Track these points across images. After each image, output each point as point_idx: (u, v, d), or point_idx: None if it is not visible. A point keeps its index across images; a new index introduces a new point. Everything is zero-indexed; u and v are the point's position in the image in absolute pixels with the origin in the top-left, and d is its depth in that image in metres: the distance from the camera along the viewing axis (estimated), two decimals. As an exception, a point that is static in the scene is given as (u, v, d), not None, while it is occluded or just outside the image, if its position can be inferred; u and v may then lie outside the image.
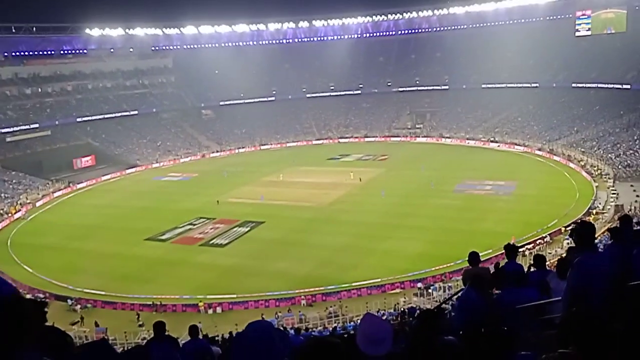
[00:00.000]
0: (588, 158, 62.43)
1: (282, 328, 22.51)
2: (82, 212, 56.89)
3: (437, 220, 44.96)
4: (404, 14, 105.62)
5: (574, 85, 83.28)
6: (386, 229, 44.01)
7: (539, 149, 72.52)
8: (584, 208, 44.88)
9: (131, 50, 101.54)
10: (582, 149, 66.11)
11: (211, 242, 44.20)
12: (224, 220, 49.70)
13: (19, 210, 57.90)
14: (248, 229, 46.85)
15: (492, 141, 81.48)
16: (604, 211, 44.01)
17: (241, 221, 48.79)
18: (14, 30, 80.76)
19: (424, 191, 55.33)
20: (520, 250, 35.47)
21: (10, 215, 56.15)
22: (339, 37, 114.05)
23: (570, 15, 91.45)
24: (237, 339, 2.63)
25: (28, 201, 61.78)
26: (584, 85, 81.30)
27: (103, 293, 35.06)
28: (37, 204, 61.55)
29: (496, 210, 47.32)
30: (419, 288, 32.78)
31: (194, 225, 49.06)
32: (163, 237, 45.93)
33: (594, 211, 43.93)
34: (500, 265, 7.69)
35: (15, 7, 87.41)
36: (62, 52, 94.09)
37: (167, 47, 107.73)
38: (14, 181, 66.93)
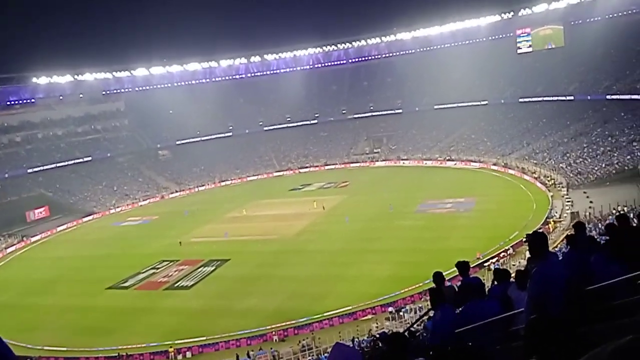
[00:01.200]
0: (541, 169, 64.49)
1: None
2: (38, 265, 54.53)
3: (402, 242, 45.25)
4: (353, 43, 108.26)
5: (521, 100, 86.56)
6: (353, 255, 43.93)
7: (494, 164, 74.53)
8: (542, 218, 46.11)
9: (81, 96, 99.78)
10: (535, 161, 68.34)
11: (176, 285, 42.95)
12: (188, 261, 48.53)
13: (-30, 270, 55.00)
14: (213, 267, 45.85)
15: (448, 160, 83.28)
16: (561, 219, 45.28)
17: (206, 260, 47.74)
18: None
19: (387, 214, 55.72)
20: (485, 264, 36.02)
21: (-41, 276, 53.24)
22: (291, 69, 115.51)
23: (511, 34, 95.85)
24: None
25: (-21, 259, 58.81)
26: (530, 99, 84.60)
27: (65, 349, 33.27)
28: (-11, 262, 58.65)
29: (459, 227, 48.01)
30: (390, 312, 32.60)
31: (157, 269, 47.66)
32: (126, 284, 44.35)
33: (552, 220, 45.13)
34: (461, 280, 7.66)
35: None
36: (8, 102, 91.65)
37: (119, 91, 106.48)
38: (-38, 239, 63.81)
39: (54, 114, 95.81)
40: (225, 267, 45.69)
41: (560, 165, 63.07)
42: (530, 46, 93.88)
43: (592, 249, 6.44)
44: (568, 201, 49.53)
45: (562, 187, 55.73)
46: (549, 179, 60.12)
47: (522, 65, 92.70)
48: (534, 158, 69.59)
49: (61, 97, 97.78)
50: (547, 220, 45.24)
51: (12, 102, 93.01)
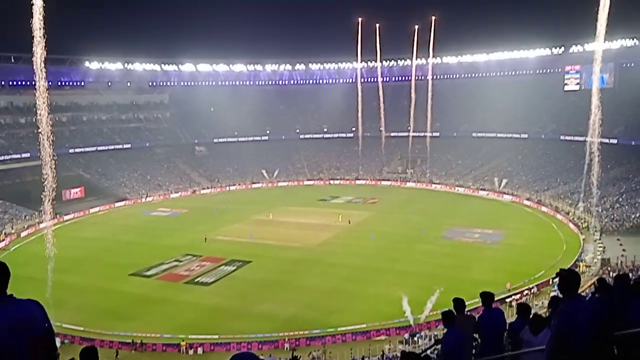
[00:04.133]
0: (575, 210, 62.99)
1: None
2: (68, 244, 55.87)
3: (425, 266, 44.88)
4: (398, 61, 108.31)
5: (562, 137, 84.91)
6: (373, 273, 43.78)
7: (527, 199, 73.20)
8: (571, 260, 44.98)
9: (129, 84, 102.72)
10: (570, 201, 66.80)
11: (196, 280, 43.60)
12: (211, 258, 49.21)
13: (3, 240, 57.05)
14: (234, 268, 46.36)
15: (481, 189, 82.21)
16: (591, 264, 44.14)
17: (228, 260, 48.32)
18: (12, 60, 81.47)
19: (413, 236, 55.36)
20: (507, 300, 35.38)
21: (-7, 244, 55.27)
22: (334, 80, 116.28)
23: (560, 70, 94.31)
24: None
25: (13, 231, 60.96)
26: (572, 138, 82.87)
27: (82, 329, 34.21)
28: (22, 235, 60.71)
29: (484, 259, 47.33)
30: (405, 338, 32.29)
31: (180, 261, 48.48)
32: (148, 273, 45.26)
33: (581, 264, 44.01)
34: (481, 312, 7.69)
35: (16, 37, 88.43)
36: (59, 83, 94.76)
37: (165, 83, 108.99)
38: (1, 210, 66.12)
39: (101, 99, 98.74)
40: (246, 269, 46.14)
41: (596, 208, 61.43)
42: (578, 84, 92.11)
43: (628, 296, 6.31)
44: (600, 246, 48.27)
45: (596, 231, 54.30)
46: (582, 221, 58.67)
47: (567, 102, 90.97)
48: (569, 198, 68.05)
49: (110, 84, 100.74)
50: (577, 263, 44.14)
51: (63, 83, 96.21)
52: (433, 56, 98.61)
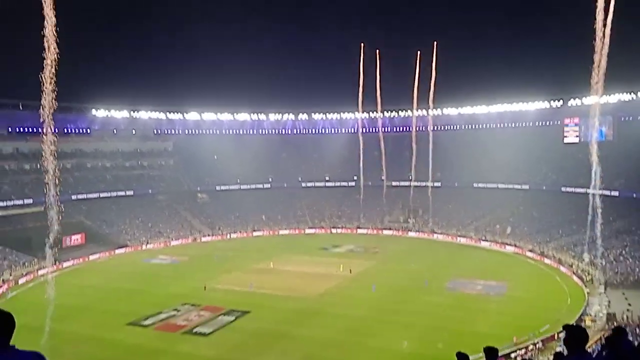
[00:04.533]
0: (579, 263, 62.44)
1: None
2: (66, 291, 55.26)
3: (428, 318, 44.17)
4: (399, 112, 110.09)
5: (563, 189, 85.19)
6: (375, 324, 43.03)
7: (530, 250, 72.72)
8: (576, 314, 44.27)
9: (134, 132, 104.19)
10: (573, 253, 66.31)
11: (194, 330, 42.82)
12: (210, 307, 48.53)
13: (0, 287, 56.42)
14: (233, 318, 45.63)
15: (483, 240, 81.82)
16: (596, 319, 43.38)
17: (227, 309, 47.62)
18: (20, 107, 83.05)
19: (415, 287, 54.74)
20: (512, 355, 34.61)
21: (-10, 291, 54.69)
22: (336, 130, 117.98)
23: (559, 122, 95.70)
24: None
25: (11, 278, 60.45)
26: (573, 190, 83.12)
27: (77, 380, 33.36)
28: (20, 282, 60.18)
29: (488, 311, 46.58)
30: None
31: (179, 311, 47.80)
32: (145, 323, 44.51)
33: (587, 318, 43.28)
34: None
35: (25, 84, 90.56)
36: (65, 130, 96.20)
37: (169, 131, 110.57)
38: (0, 257, 65.78)
39: (106, 146, 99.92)
40: (245, 319, 45.41)
41: (600, 261, 60.89)
42: (577, 136, 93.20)
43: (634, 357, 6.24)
44: (605, 301, 47.54)
45: (600, 284, 53.65)
46: (586, 273, 58.05)
47: (567, 154, 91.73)
48: (572, 250, 67.57)
49: (115, 131, 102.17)
50: (582, 317, 43.41)
51: (69, 130, 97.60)
52: (434, 107, 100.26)
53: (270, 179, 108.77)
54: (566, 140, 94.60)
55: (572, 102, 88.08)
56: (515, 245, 76.44)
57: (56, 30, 40.24)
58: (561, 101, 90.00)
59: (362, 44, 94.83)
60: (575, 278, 57.80)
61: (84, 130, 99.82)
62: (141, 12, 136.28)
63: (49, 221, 44.98)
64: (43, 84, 42.86)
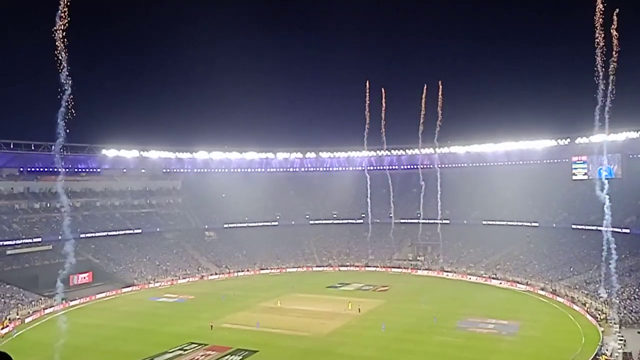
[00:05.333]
0: (592, 301, 61.20)
1: None
2: (72, 331, 54.74)
3: None
4: (407, 151, 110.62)
5: (573, 226, 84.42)
6: (385, 366, 42.06)
7: (542, 289, 71.50)
8: (591, 354, 43.09)
9: (143, 171, 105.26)
10: (586, 291, 65.07)
11: (201, 370, 42.08)
12: (216, 347, 47.79)
13: (7, 326, 56.04)
14: (240, 358, 44.84)
15: (493, 278, 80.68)
16: (612, 358, 42.22)
17: (233, 349, 46.86)
18: (33, 148, 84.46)
19: (425, 326, 53.77)
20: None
21: (-4, 330, 54.30)
22: (344, 168, 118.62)
23: (567, 160, 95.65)
24: None
25: (18, 317, 60.10)
26: (583, 227, 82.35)
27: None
28: (27, 320, 59.77)
29: (500, 352, 45.52)
30: None
31: (185, 350, 47.08)
32: (151, 363, 43.86)
33: (601, 357, 42.12)
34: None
35: (37, 125, 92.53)
36: (76, 170, 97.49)
37: (178, 170, 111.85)
38: (7, 295, 65.59)
39: (115, 185, 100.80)
40: (252, 359, 44.58)
41: (614, 299, 59.65)
42: (585, 174, 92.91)
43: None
44: (620, 340, 46.36)
45: (614, 323, 52.38)
46: (600, 312, 56.80)
47: (576, 192, 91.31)
48: (584, 288, 66.33)
49: (124, 170, 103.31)
50: (597, 357, 42.24)
51: (80, 170, 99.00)
52: (440, 146, 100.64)
53: (277, 217, 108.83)
54: (575, 177, 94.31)
55: (580, 140, 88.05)
56: (526, 284, 75.24)
57: (69, 72, 41.15)
58: (568, 139, 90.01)
59: (368, 82, 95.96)
60: (588, 317, 56.55)
61: (94, 169, 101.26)
62: (150, 54, 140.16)
63: (66, 254, 45.02)
64: (56, 125, 43.62)
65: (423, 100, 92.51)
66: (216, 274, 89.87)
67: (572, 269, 74.42)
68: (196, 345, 48.56)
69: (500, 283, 78.21)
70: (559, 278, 72.92)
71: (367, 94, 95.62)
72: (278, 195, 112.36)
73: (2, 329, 55.15)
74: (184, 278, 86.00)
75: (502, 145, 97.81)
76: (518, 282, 76.45)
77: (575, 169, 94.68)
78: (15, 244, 77.45)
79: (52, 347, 47.86)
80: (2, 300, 63.71)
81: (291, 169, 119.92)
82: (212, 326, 54.17)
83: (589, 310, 58.56)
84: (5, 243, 76.13)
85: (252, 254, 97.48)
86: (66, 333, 52.83)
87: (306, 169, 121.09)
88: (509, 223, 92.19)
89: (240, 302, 67.37)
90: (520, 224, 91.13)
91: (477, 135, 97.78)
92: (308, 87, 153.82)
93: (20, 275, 71.53)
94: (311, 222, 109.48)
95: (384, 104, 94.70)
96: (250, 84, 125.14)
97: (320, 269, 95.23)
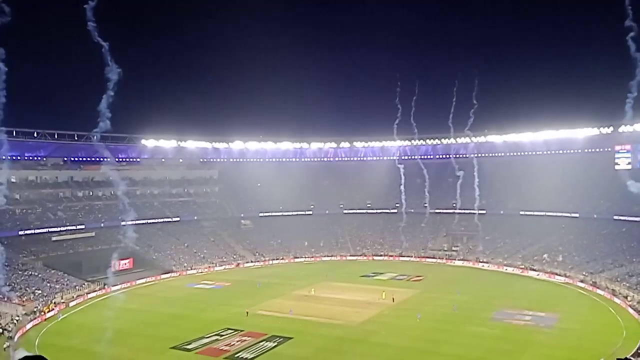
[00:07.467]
0: (635, 294, 59.42)
1: None
2: (113, 315, 56.72)
3: (473, 350, 42.85)
4: (442, 140, 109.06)
5: (615, 217, 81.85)
6: (419, 355, 42.15)
7: (581, 281, 69.81)
8: (633, 348, 41.96)
9: (181, 160, 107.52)
10: (628, 284, 63.19)
11: (236, 355, 42.99)
12: (252, 333, 48.72)
13: (52, 310, 58.51)
14: (275, 344, 45.60)
15: (531, 269, 79.17)
16: (655, 353, 40.99)
17: (269, 335, 47.69)
18: (76, 138, 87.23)
19: (460, 316, 53.39)
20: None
21: (43, 314, 56.72)
22: (378, 157, 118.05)
23: (609, 149, 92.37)
24: None
25: (62, 301, 62.63)
26: (626, 218, 79.77)
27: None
28: (71, 304, 62.23)
29: (537, 344, 44.80)
30: None
31: (221, 336, 48.19)
32: (189, 347, 45.07)
33: (644, 352, 40.96)
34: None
35: (81, 116, 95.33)
36: (117, 159, 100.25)
37: (215, 160, 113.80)
38: (52, 279, 68.38)
39: (154, 174, 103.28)
40: (286, 345, 45.29)
41: (658, 293, 57.83)
42: (629, 163, 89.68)
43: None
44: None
45: (658, 317, 50.80)
46: (643, 305, 55.14)
47: (619, 182, 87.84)
48: (626, 281, 64.40)
49: (163, 160, 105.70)
50: (639, 351, 41.10)
51: (121, 159, 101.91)
52: (476, 135, 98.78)
53: (312, 206, 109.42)
54: (617, 167, 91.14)
55: (623, 129, 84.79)
56: (565, 275, 73.59)
57: (112, 63, 42.26)
58: (611, 127, 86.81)
59: (400, 72, 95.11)
60: (630, 310, 54.94)
61: (135, 159, 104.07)
62: (188, 46, 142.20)
63: (119, 239, 46.85)
64: (99, 116, 44.93)
65: (454, 89, 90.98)
66: (252, 261, 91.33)
67: (613, 261, 72.31)
68: (232, 331, 49.61)
69: (538, 274, 76.72)
70: (600, 270, 71.01)
71: (398, 84, 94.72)
72: (312, 185, 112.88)
73: (48, 312, 57.63)
74: (220, 265, 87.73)
75: (541, 134, 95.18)
76: (556, 274, 74.84)
77: (618, 158, 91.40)
78: (60, 231, 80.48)
79: (95, 330, 49.91)
80: (48, 284, 66.46)
81: (325, 159, 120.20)
82: (247, 313, 55.22)
83: (631, 303, 56.91)
84: (50, 230, 79.25)
85: (286, 243, 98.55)
86: (109, 317, 55.03)
87: (340, 159, 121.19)
88: (547, 214, 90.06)
89: (275, 289, 68.32)
90: (560, 214, 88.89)
91: (515, 124, 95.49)
92: (342, 77, 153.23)
93: (65, 261, 74.39)
94: (345, 211, 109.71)
95: (416, 93, 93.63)
96: (285, 75, 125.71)
97: (354, 258, 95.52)
